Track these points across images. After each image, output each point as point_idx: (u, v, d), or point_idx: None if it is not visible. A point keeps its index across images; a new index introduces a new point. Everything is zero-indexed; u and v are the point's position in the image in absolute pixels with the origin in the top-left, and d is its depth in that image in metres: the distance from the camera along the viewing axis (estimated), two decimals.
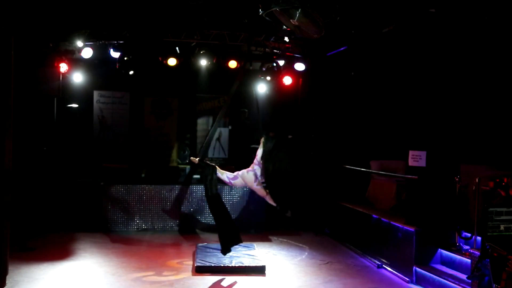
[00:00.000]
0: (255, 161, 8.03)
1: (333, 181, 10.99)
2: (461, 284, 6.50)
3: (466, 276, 6.24)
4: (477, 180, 6.76)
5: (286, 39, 10.22)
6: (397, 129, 9.65)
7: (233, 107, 12.71)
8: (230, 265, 7.72)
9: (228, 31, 10.54)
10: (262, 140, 8.08)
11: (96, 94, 12.80)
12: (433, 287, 6.99)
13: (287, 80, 11.98)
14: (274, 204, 8.06)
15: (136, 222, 10.53)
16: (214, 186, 7.84)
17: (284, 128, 11.37)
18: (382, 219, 8.50)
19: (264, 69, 12.11)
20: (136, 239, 9.81)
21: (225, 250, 7.79)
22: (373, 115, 11.14)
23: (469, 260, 6.63)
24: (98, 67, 11.88)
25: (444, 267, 7.30)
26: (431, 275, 7.06)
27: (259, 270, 7.67)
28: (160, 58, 11.20)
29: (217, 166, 8.04)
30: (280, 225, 11.27)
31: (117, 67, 11.03)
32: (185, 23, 10.19)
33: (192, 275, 7.50)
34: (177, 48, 11.02)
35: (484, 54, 8.05)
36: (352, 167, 10.18)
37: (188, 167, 13.30)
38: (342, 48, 10.59)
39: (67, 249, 8.80)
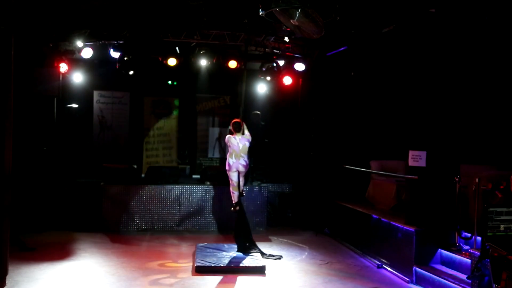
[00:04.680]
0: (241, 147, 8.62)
1: (333, 181, 10.99)
2: (461, 284, 6.50)
3: (466, 276, 6.25)
4: (477, 180, 6.76)
5: (286, 39, 10.22)
6: (397, 129, 9.66)
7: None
8: (230, 265, 7.72)
9: (228, 31, 10.53)
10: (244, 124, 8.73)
11: (96, 94, 12.80)
12: (433, 287, 6.99)
13: (287, 80, 11.97)
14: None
15: (136, 222, 10.53)
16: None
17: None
18: (382, 219, 8.50)
19: (264, 69, 12.10)
20: (136, 239, 9.81)
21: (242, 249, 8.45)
22: (373, 115, 11.14)
23: (469, 260, 6.62)
24: (98, 67, 11.89)
25: (444, 267, 7.29)
26: (431, 275, 7.06)
27: (259, 270, 7.67)
28: (160, 58, 11.20)
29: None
30: (280, 225, 11.29)
31: (117, 67, 11.03)
32: (185, 23, 10.19)
33: (192, 275, 7.50)
34: (177, 48, 11.02)
35: (484, 54, 8.05)
36: (352, 167, 10.18)
37: (188, 167, 13.32)
38: (342, 48, 10.59)
39: (67, 249, 8.80)
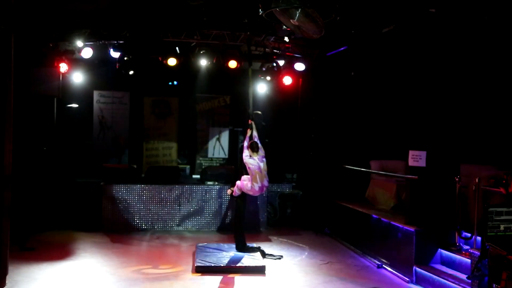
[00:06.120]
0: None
1: (333, 181, 10.99)
2: (461, 284, 6.50)
3: (466, 276, 6.25)
4: (477, 180, 6.76)
5: (286, 39, 10.22)
6: (397, 129, 9.65)
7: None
8: (230, 265, 7.72)
9: (228, 31, 10.53)
10: (253, 123, 8.51)
11: (96, 94, 12.79)
12: (433, 287, 6.99)
13: (287, 80, 11.98)
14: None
15: (136, 222, 10.53)
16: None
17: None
18: (382, 219, 8.50)
19: (264, 69, 12.10)
20: (136, 239, 9.81)
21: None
22: (373, 115, 11.13)
23: (469, 260, 6.62)
24: (98, 67, 11.88)
25: (444, 267, 7.29)
26: (431, 275, 7.06)
27: (259, 270, 7.67)
28: (160, 58, 11.20)
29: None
30: (280, 225, 11.29)
31: (117, 67, 11.03)
32: (185, 23, 10.18)
33: (192, 274, 7.50)
34: (177, 48, 11.01)
35: (484, 54, 8.05)
36: (352, 167, 10.18)
37: (188, 167, 13.32)
38: (342, 48, 10.58)
39: (67, 249, 8.80)
